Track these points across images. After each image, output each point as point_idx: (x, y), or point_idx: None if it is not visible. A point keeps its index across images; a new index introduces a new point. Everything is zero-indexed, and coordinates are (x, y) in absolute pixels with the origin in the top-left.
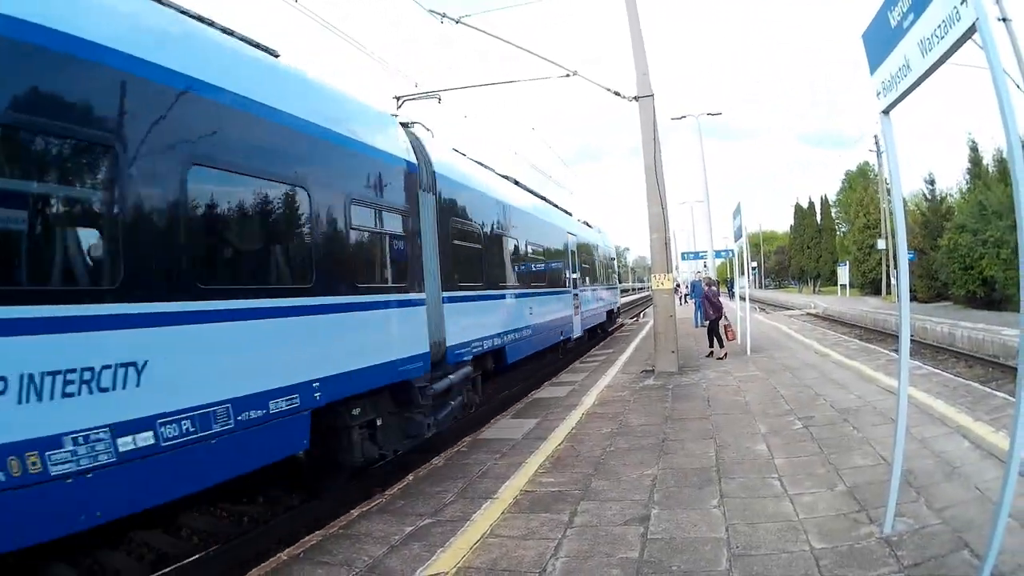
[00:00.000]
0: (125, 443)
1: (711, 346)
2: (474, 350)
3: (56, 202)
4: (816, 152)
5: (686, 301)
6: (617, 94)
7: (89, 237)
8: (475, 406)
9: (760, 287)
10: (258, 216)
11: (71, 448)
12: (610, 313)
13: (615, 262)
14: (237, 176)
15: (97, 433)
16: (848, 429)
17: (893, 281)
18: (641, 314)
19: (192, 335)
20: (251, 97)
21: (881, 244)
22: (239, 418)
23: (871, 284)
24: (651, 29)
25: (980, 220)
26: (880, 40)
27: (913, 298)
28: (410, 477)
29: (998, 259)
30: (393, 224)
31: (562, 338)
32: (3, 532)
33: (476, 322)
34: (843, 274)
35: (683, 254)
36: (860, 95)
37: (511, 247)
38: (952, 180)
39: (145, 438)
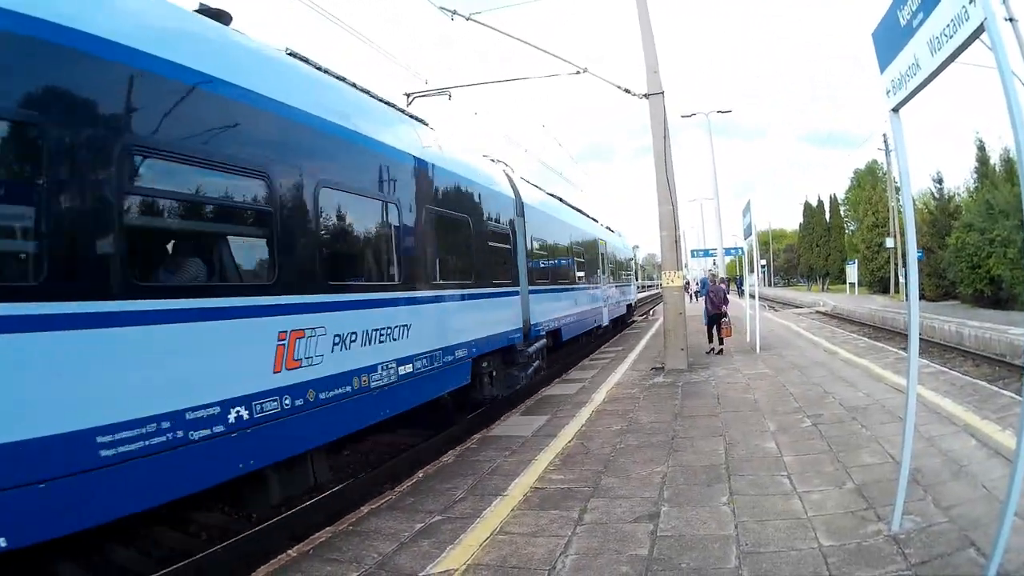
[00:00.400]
0: (405, 369)
1: (710, 342)
2: (546, 328)
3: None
4: (824, 151)
5: (696, 299)
6: (627, 91)
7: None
8: (543, 370)
9: (769, 285)
10: (464, 239)
11: (389, 369)
12: (629, 307)
13: (632, 262)
14: (458, 216)
15: (391, 364)
16: (856, 427)
17: (901, 279)
18: (651, 311)
19: (437, 307)
20: (464, 175)
21: (890, 242)
22: (445, 359)
23: (879, 282)
24: (660, 26)
25: (987, 219)
26: (890, 39)
27: (921, 296)
28: (420, 474)
29: (1005, 258)
30: (506, 241)
31: (595, 325)
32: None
33: (547, 308)
34: (852, 272)
35: (693, 252)
36: (862, 91)
37: (564, 252)
38: (960, 179)
39: (407, 368)
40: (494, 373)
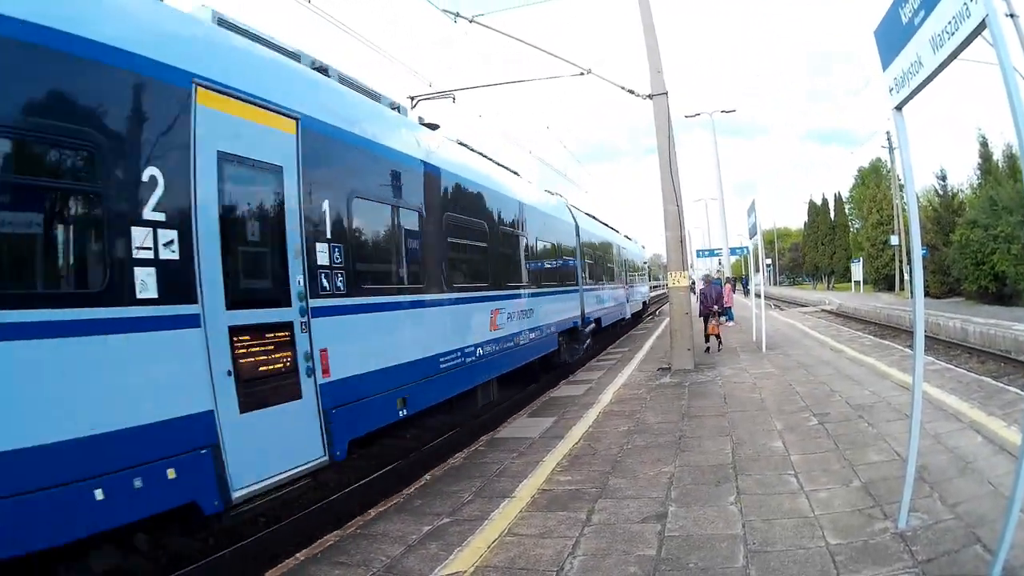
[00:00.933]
0: (528, 335)
1: (706, 341)
2: (594, 316)
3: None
4: (828, 149)
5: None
6: (631, 92)
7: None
8: (591, 347)
9: (774, 284)
10: (555, 255)
11: (527, 335)
12: (644, 303)
13: (647, 266)
14: (553, 240)
15: (528, 331)
16: (863, 425)
17: (906, 277)
18: (657, 311)
19: (544, 299)
20: (553, 213)
21: (894, 240)
22: (546, 332)
23: (885, 280)
24: (663, 26)
25: (991, 216)
26: (892, 37)
27: (925, 293)
28: (427, 476)
29: (1009, 254)
30: (572, 254)
31: (620, 316)
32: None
33: (593, 303)
34: (857, 270)
35: (698, 252)
36: (860, 89)
37: (598, 258)
38: (963, 176)
39: (533, 335)
40: (564, 345)
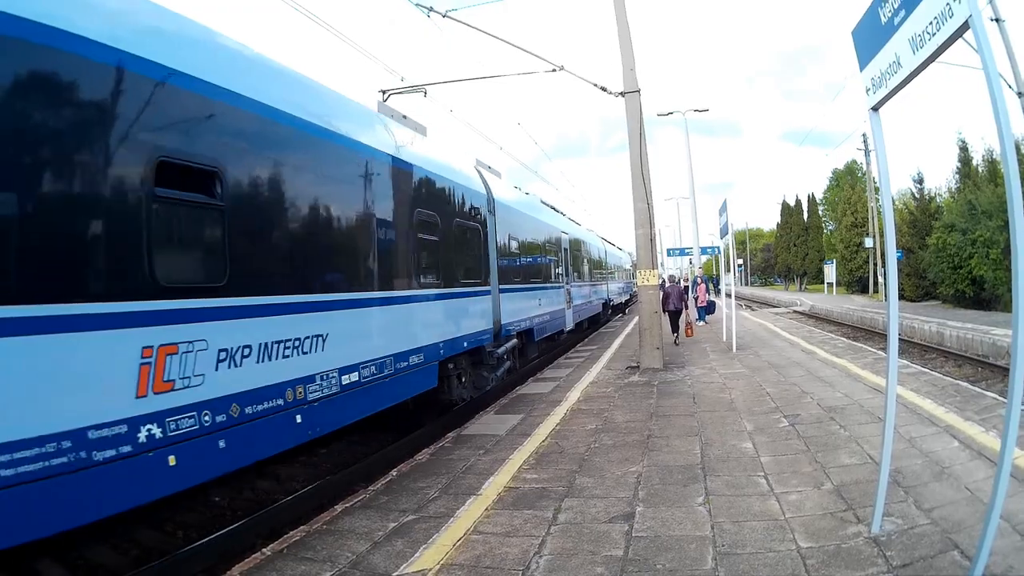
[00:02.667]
0: (569, 315)
1: (673, 332)
2: (604, 298)
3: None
4: (803, 150)
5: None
6: (604, 89)
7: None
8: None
9: (746, 284)
10: (588, 257)
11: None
12: (631, 296)
13: (628, 264)
14: (587, 249)
15: (559, 313)
16: (835, 427)
17: (880, 279)
18: (627, 309)
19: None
20: (592, 239)
21: (868, 242)
22: (597, 303)
23: (858, 282)
24: (637, 24)
25: (970, 220)
26: (870, 36)
27: (900, 296)
28: (393, 473)
29: (988, 259)
30: (602, 256)
31: (611, 303)
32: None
33: (584, 295)
34: (830, 272)
35: (669, 250)
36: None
37: (595, 259)
38: (940, 179)
39: (571, 313)
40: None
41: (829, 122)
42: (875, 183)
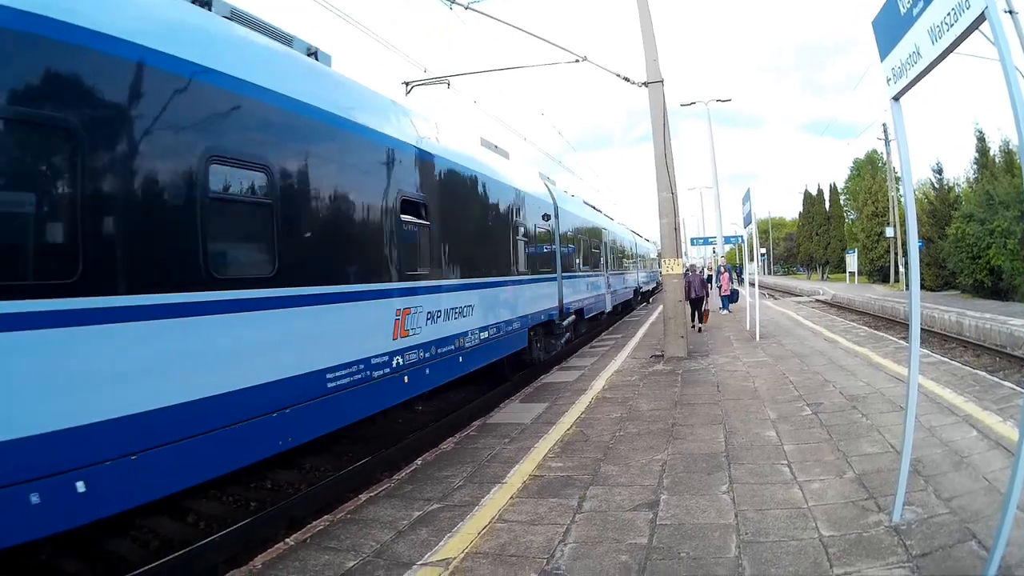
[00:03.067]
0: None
1: (693, 321)
2: (634, 286)
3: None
4: (824, 140)
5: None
6: (627, 80)
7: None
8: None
9: (769, 273)
10: (627, 253)
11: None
12: (656, 285)
13: (654, 253)
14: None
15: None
16: (857, 416)
17: (901, 269)
18: (651, 298)
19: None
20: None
21: (889, 232)
22: (629, 289)
23: (879, 271)
24: (660, 14)
25: (987, 210)
26: (890, 27)
27: (921, 286)
28: (418, 461)
29: (1005, 249)
30: (630, 249)
31: (642, 289)
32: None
33: (619, 282)
34: (851, 261)
35: (692, 240)
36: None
37: (630, 255)
38: (959, 169)
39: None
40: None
41: (850, 112)
42: (896, 173)
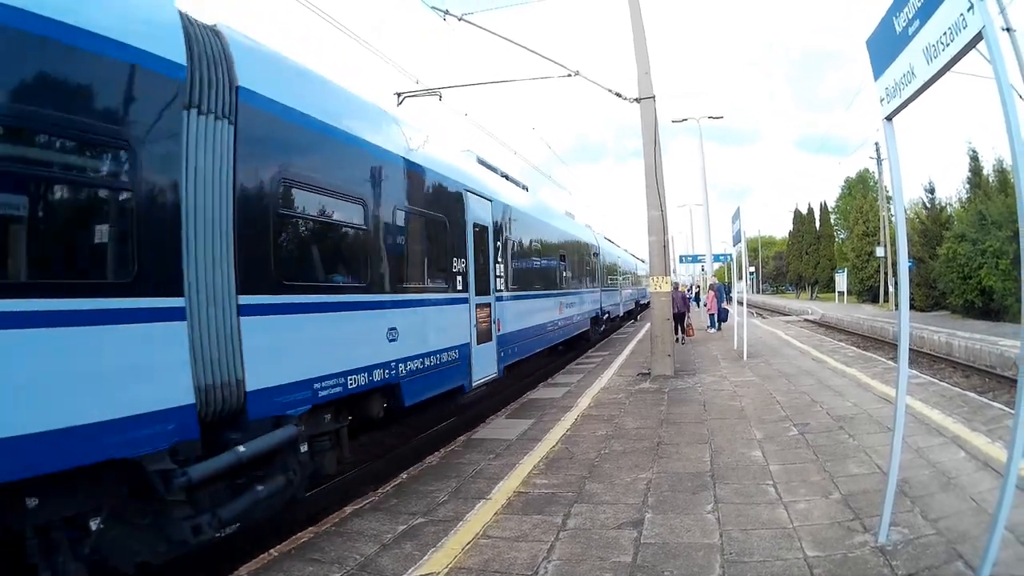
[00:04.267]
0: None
1: (676, 335)
2: (628, 304)
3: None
4: (816, 158)
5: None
6: (619, 95)
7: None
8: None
9: (757, 292)
10: (623, 272)
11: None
12: (646, 302)
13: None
14: (622, 264)
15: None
16: (844, 436)
17: (891, 289)
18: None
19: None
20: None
21: (880, 252)
22: (621, 304)
23: (869, 291)
24: (652, 31)
25: (980, 230)
26: (884, 46)
27: (910, 306)
28: (404, 475)
29: (997, 269)
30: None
31: (635, 306)
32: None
33: (627, 295)
34: (841, 281)
35: (681, 257)
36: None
37: (624, 272)
38: (951, 189)
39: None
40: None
41: (842, 129)
42: (887, 192)
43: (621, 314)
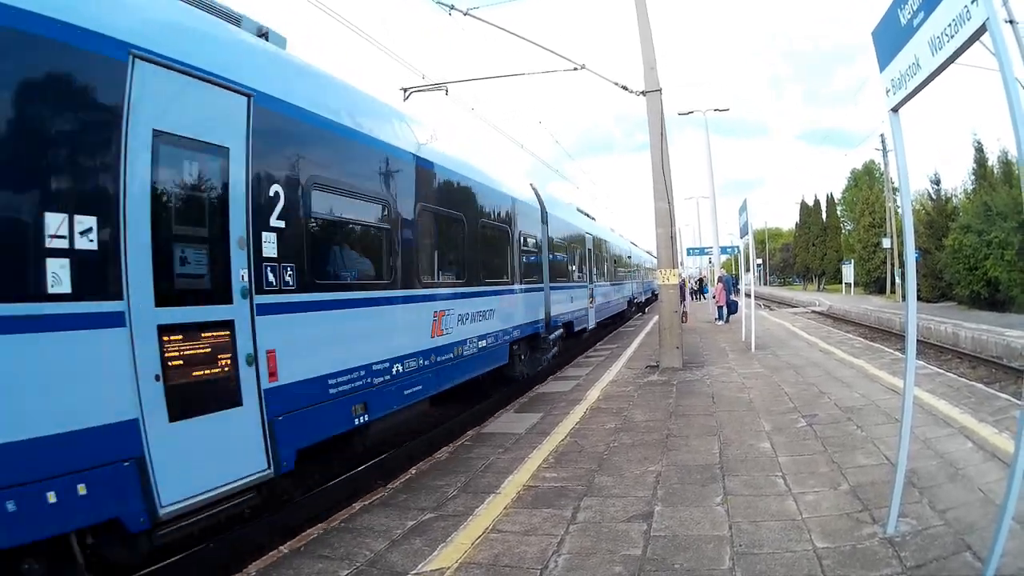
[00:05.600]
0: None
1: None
2: (641, 293)
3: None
4: (821, 150)
5: (698, 298)
6: (625, 88)
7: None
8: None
9: (765, 284)
10: (634, 268)
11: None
12: (653, 293)
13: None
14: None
15: (625, 295)
16: (852, 428)
17: (898, 280)
18: (646, 308)
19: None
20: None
21: (886, 243)
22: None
23: (875, 282)
24: (658, 23)
25: (985, 221)
26: (890, 38)
27: (917, 297)
28: (412, 470)
29: (1002, 260)
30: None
31: (639, 298)
32: None
33: (639, 286)
34: (848, 272)
35: (688, 249)
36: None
37: (643, 264)
38: (957, 180)
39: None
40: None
41: (848, 122)
42: (893, 184)
43: (643, 300)
